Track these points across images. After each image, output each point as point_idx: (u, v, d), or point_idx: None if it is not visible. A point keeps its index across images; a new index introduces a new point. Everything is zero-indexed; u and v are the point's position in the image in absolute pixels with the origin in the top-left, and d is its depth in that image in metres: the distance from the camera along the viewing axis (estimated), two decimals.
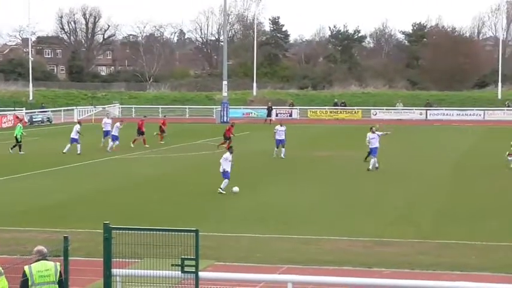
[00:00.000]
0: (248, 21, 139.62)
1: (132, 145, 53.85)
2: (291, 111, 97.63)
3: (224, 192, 32.83)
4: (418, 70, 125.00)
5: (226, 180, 33.10)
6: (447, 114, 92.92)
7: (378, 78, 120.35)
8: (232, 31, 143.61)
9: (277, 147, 47.00)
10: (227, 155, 33.55)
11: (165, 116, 67.48)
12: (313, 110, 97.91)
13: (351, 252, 22.34)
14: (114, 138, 52.43)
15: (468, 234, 24.60)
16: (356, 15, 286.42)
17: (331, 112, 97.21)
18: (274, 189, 35.13)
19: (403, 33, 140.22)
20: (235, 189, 32.85)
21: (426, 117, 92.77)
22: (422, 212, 29.15)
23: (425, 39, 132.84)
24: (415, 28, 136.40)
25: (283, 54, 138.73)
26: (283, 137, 46.96)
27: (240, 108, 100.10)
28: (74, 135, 50.41)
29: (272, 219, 27.59)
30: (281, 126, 47.71)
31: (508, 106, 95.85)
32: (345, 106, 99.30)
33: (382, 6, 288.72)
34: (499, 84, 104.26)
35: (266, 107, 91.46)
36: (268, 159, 46.94)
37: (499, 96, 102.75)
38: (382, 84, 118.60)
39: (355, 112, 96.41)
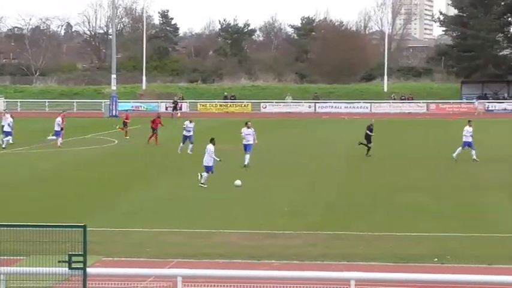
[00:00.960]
0: (137, 14, 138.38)
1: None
2: (181, 105, 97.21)
3: (206, 186, 32.47)
4: (306, 63, 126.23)
5: (206, 174, 32.78)
6: (335, 107, 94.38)
7: (268, 71, 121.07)
8: (121, 24, 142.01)
9: (183, 143, 45.71)
10: (210, 147, 33.09)
11: (127, 111, 65.97)
12: (203, 104, 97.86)
13: (241, 245, 22.41)
14: (8, 133, 50.52)
15: (356, 225, 25.01)
16: (246, 9, 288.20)
17: (221, 105, 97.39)
18: (166, 183, 34.94)
19: (292, 26, 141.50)
20: (238, 182, 32.27)
21: (315, 110, 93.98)
22: (312, 204, 29.48)
23: (313, 33, 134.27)
24: (303, 22, 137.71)
25: (172, 47, 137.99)
26: (191, 133, 45.85)
27: (130, 101, 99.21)
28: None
29: (163, 213, 27.47)
30: (190, 122, 46.50)
31: (394, 99, 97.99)
32: (235, 99, 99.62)
33: (271, 0, 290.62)
34: (385, 77, 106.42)
35: (172, 100, 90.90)
36: (160, 153, 46.68)
37: (385, 89, 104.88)
38: (272, 78, 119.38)
39: (245, 105, 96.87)
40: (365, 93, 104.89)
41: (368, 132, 45.31)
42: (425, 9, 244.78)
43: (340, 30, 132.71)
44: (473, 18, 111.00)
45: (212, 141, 33.44)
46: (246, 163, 39.32)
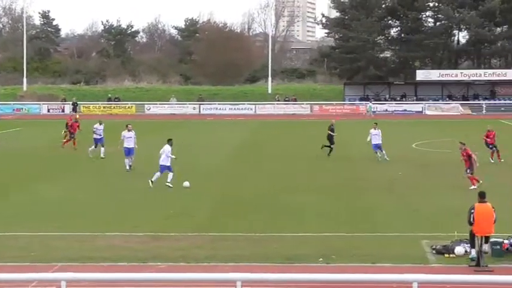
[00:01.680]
0: (16, 14, 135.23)
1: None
2: (63, 107, 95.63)
3: (171, 185, 32.75)
4: (191, 65, 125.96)
5: (159, 173, 33.18)
6: (220, 109, 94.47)
7: (152, 73, 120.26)
8: (0, 24, 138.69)
9: (95, 146, 44.28)
10: (167, 147, 33.29)
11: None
12: (86, 106, 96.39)
13: (127, 248, 22.18)
14: None
15: (242, 226, 25.09)
16: (129, 10, 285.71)
17: (104, 107, 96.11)
18: (50, 186, 34.25)
19: (176, 28, 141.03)
20: (186, 184, 32.85)
21: (199, 111, 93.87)
22: (198, 205, 29.41)
23: (197, 35, 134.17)
24: (187, 23, 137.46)
25: (54, 48, 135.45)
26: (102, 136, 44.30)
27: (10, 103, 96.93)
28: None
29: (48, 216, 26.96)
30: (100, 124, 45.01)
31: (278, 100, 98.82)
32: (119, 101, 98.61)
33: (154, 1, 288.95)
34: (269, 79, 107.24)
35: (71, 102, 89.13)
36: (45, 155, 45.78)
37: (269, 91, 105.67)
38: (156, 79, 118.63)
39: (129, 107, 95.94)
40: (249, 94, 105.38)
41: (330, 132, 45.92)
42: (308, 12, 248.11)
43: (224, 32, 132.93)
44: (355, 21, 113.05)
45: (169, 141, 33.76)
46: (128, 167, 38.67)
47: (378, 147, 42.44)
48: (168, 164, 33.25)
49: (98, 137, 44.29)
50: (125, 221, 26.16)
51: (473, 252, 20.29)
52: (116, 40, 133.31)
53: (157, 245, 22.50)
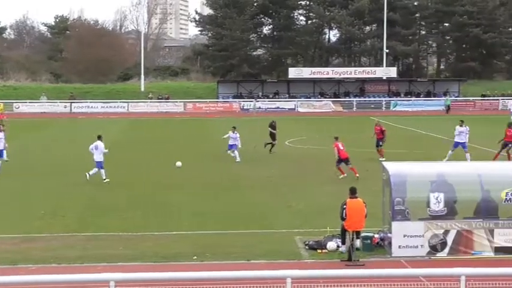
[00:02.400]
0: None
1: None
2: None
3: (108, 179, 33.79)
4: (61, 63, 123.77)
5: (102, 169, 33.95)
6: (92, 107, 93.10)
7: (20, 70, 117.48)
8: None
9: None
10: (100, 143, 34.15)
11: None
12: None
13: None
14: None
15: (115, 226, 24.81)
16: None
17: None
18: None
19: (45, 25, 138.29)
20: (179, 164, 36.79)
21: (71, 110, 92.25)
22: (71, 205, 28.91)
23: (68, 32, 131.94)
24: (57, 20, 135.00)
25: None
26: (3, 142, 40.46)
27: None
28: None
29: None
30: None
31: (151, 98, 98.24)
32: None
33: None
34: (142, 77, 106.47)
35: None
36: None
37: (142, 89, 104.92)
38: (25, 77, 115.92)
39: None
40: (122, 92, 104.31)
41: (271, 130, 46.29)
42: (181, 9, 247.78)
43: (96, 29, 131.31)
44: (228, 19, 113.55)
45: (100, 138, 34.69)
46: None
47: (232, 146, 42.41)
48: (103, 159, 33.97)
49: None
50: None
51: (344, 248, 20.69)
52: None
53: (29, 247, 22.01)
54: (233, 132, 42.55)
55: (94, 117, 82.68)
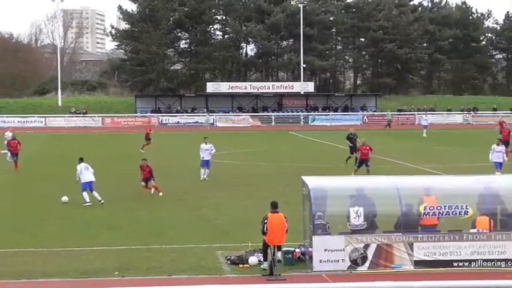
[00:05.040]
0: None
1: None
2: None
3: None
4: None
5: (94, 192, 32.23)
6: (8, 122, 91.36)
7: None
8: None
9: None
10: (86, 165, 32.48)
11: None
12: None
13: None
14: None
15: (31, 242, 24.41)
16: None
17: None
18: None
19: None
20: (65, 198, 32.22)
21: None
22: None
23: None
24: None
25: None
26: None
27: None
28: None
29: None
30: None
31: (72, 112, 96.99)
32: None
33: None
34: (59, 91, 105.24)
35: None
36: None
37: (60, 103, 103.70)
38: None
39: None
40: (38, 107, 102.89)
41: (349, 142, 45.75)
42: (97, 23, 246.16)
43: (11, 43, 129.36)
44: (144, 33, 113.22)
45: (82, 159, 32.95)
46: None
47: (206, 163, 40.31)
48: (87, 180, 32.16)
49: None
50: None
51: (265, 264, 20.76)
52: None
53: None
54: (205, 144, 40.46)
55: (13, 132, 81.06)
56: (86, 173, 32.26)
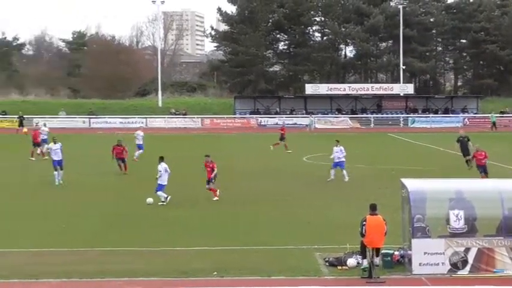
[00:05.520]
0: None
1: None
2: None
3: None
4: (79, 78, 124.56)
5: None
6: (110, 122, 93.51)
7: (39, 86, 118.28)
8: None
9: (55, 170, 38.70)
10: (163, 165, 32.74)
11: None
12: None
13: (19, 264, 21.71)
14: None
15: (132, 241, 24.87)
16: (14, 23, 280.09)
17: None
18: None
19: (64, 41, 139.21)
20: (150, 200, 32.40)
21: (90, 125, 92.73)
22: (87, 220, 29.02)
23: (85, 48, 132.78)
24: (75, 36, 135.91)
25: None
26: (60, 157, 38.99)
27: None
28: None
29: None
30: (55, 143, 39.76)
31: (171, 113, 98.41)
32: (6, 115, 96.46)
33: (40, 14, 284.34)
34: (159, 92, 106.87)
35: (17, 116, 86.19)
36: None
37: (160, 104, 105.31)
38: (44, 93, 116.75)
39: (15, 121, 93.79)
40: (139, 108, 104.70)
41: (461, 145, 45.15)
42: (197, 25, 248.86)
43: (113, 45, 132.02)
44: (243, 35, 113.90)
45: (162, 159, 33.02)
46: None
47: (337, 164, 40.00)
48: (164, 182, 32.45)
49: (57, 158, 39.04)
50: (12, 237, 25.61)
51: (365, 263, 20.67)
52: (1, 53, 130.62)
53: (47, 261, 22.08)
54: (337, 146, 40.11)
55: (112, 133, 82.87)
56: (165, 175, 32.54)
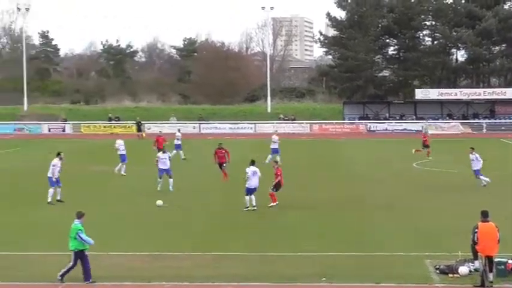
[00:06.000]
0: (16, 34, 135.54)
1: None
2: (64, 127, 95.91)
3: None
4: (189, 84, 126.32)
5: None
6: (220, 128, 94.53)
7: (151, 92, 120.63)
8: (0, 44, 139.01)
9: (160, 177, 39.00)
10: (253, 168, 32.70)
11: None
12: (87, 125, 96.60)
13: (130, 267, 22.19)
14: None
15: (243, 246, 25.10)
16: (128, 30, 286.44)
17: (105, 127, 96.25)
18: (45, 208, 34.01)
19: (175, 48, 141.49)
20: (159, 202, 32.97)
21: (200, 130, 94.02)
22: (197, 224, 29.43)
23: (195, 54, 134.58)
24: (185, 43, 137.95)
25: (54, 68, 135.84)
26: (167, 166, 39.28)
27: (10, 123, 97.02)
28: None
29: (43, 236, 26.90)
30: (164, 153, 40.03)
31: (284, 119, 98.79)
32: (119, 120, 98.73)
33: (153, 21, 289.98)
34: (268, 98, 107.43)
35: (135, 121, 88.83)
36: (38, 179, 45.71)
37: (269, 110, 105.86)
38: (156, 99, 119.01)
39: (129, 126, 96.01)
40: (248, 114, 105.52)
41: None
42: (306, 30, 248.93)
43: (222, 51, 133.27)
44: (352, 40, 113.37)
45: (253, 163, 32.88)
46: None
47: (478, 172, 39.49)
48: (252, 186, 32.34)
49: (164, 167, 39.39)
50: (127, 240, 26.18)
51: (477, 264, 20.31)
52: (115, 60, 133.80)
53: (161, 265, 22.50)
54: (472, 154, 39.32)
55: (222, 138, 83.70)
56: (253, 178, 32.23)
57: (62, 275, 20.70)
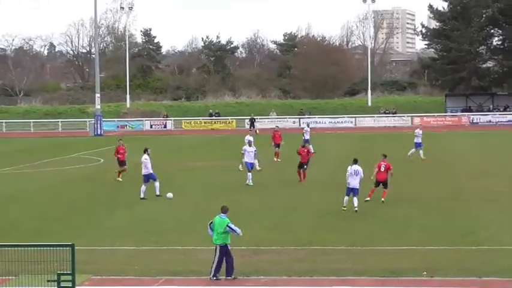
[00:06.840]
0: (119, 33, 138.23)
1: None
2: (166, 123, 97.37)
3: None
4: (289, 79, 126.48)
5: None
6: (320, 122, 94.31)
7: (251, 88, 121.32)
8: (104, 43, 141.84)
9: (248, 171, 39.06)
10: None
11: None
12: (188, 121, 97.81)
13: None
14: None
15: (343, 240, 24.94)
16: (228, 26, 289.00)
17: (205, 123, 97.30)
18: (149, 202, 34.49)
19: (275, 43, 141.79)
20: (169, 195, 32.81)
21: (300, 125, 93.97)
22: (298, 219, 29.39)
23: (296, 49, 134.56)
24: (286, 38, 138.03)
25: (155, 65, 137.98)
26: (252, 160, 39.42)
27: (114, 120, 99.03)
28: None
29: (148, 231, 27.26)
30: (250, 146, 39.97)
31: (384, 112, 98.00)
32: (219, 116, 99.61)
33: (253, 17, 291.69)
34: (369, 91, 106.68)
35: (249, 117, 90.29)
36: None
37: (369, 104, 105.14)
38: (256, 94, 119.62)
39: (229, 122, 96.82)
40: (349, 107, 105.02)
41: None
42: (407, 23, 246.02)
43: (323, 46, 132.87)
44: (455, 31, 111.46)
45: (356, 161, 31.38)
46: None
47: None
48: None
49: (250, 161, 39.31)
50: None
51: None
52: (216, 56, 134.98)
53: (259, 259, 22.54)
54: None
55: (322, 133, 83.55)
56: (353, 178, 30.89)
57: (215, 274, 20.26)
